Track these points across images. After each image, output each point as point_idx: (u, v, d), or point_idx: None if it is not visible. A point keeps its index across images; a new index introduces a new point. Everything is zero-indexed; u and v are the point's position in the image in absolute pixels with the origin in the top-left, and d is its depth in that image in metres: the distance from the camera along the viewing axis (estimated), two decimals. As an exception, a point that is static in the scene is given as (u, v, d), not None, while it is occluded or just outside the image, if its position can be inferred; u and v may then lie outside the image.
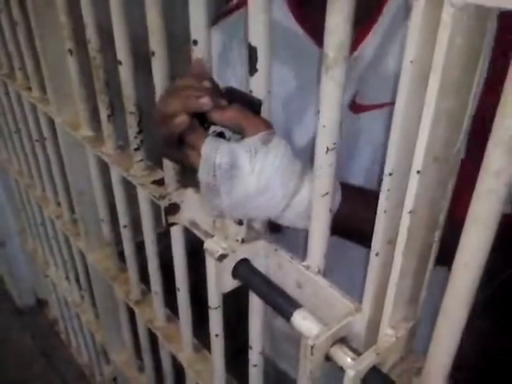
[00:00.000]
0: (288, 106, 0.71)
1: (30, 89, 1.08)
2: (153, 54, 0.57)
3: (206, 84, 0.49)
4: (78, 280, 1.33)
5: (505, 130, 0.30)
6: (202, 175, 0.47)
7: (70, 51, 0.81)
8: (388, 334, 0.43)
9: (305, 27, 0.70)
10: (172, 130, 0.49)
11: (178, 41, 0.81)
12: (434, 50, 0.31)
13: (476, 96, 0.35)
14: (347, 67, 0.38)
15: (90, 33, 0.71)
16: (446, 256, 0.38)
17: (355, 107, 0.67)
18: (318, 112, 0.41)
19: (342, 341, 0.45)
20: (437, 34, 0.30)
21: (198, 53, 0.51)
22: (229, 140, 0.49)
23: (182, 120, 0.48)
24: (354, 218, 0.51)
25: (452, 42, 0.30)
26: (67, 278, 1.42)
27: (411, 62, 0.32)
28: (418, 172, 0.35)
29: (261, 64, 0.45)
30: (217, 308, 0.62)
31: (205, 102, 0.46)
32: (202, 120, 0.49)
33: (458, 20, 0.29)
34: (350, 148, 0.69)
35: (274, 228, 0.55)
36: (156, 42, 0.56)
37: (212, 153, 0.46)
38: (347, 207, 0.51)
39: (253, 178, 0.46)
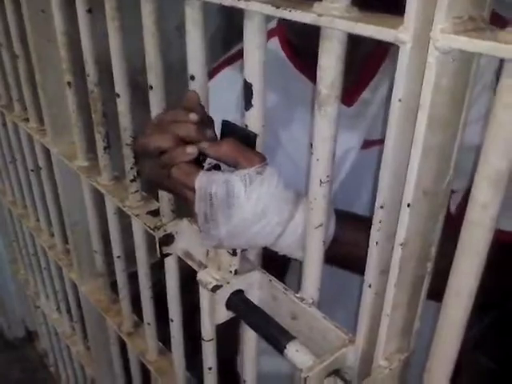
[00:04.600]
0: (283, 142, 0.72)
1: (27, 120, 1.09)
2: (151, 87, 0.59)
3: (193, 117, 0.50)
4: (69, 311, 1.31)
5: (491, 164, 0.31)
6: (199, 207, 0.48)
7: (69, 84, 0.82)
8: (382, 365, 0.44)
9: (298, 66, 0.71)
10: (170, 161, 0.50)
11: (175, 71, 0.82)
12: (421, 89, 0.32)
13: (463, 131, 0.36)
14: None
15: (90, 67, 0.73)
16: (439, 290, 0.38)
17: (364, 143, 0.69)
18: (311, 146, 0.42)
19: (336, 373, 0.45)
20: (423, 75, 0.32)
21: (194, 88, 0.53)
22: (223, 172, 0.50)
23: (190, 151, 0.49)
24: (348, 244, 0.52)
25: (438, 82, 0.32)
26: (58, 308, 1.40)
27: (399, 100, 0.33)
28: (409, 205, 0.36)
29: (256, 100, 0.46)
30: (210, 340, 0.62)
31: (203, 145, 0.48)
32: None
33: (443, 62, 0.31)
34: (357, 181, 0.70)
35: (280, 271, 0.56)
36: (154, 76, 0.58)
37: (207, 185, 0.47)
38: (342, 234, 0.52)
39: (249, 205, 0.46)
